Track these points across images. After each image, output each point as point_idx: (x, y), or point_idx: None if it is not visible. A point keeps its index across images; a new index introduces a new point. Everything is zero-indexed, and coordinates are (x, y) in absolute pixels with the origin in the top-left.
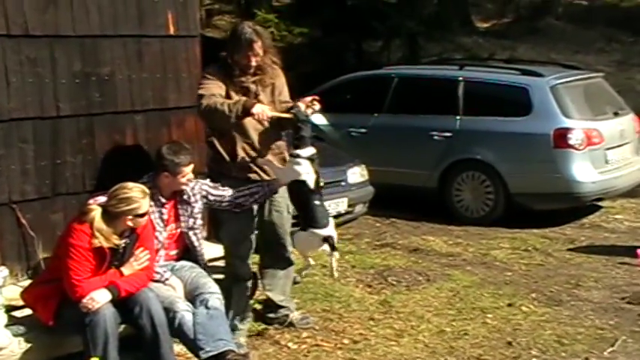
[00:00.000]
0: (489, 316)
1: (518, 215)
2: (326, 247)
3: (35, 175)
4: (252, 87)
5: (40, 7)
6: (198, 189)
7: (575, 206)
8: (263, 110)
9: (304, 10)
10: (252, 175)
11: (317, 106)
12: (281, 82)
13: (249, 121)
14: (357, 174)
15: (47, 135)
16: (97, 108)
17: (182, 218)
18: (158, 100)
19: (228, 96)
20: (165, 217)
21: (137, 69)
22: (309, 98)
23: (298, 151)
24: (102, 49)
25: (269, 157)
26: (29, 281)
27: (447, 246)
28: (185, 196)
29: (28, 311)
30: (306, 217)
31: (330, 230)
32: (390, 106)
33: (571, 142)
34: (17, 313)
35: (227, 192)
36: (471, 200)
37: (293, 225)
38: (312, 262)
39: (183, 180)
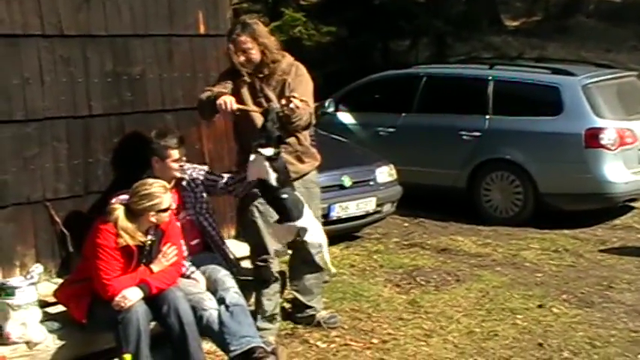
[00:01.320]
0: (519, 317)
1: (548, 216)
2: (309, 237)
3: (68, 173)
4: (257, 84)
5: (74, 7)
6: (196, 174)
7: (606, 207)
8: (225, 102)
9: (331, 9)
10: None
11: (293, 104)
12: (298, 80)
13: (259, 119)
14: (385, 173)
15: (80, 134)
16: (128, 107)
17: (187, 205)
18: (188, 99)
19: (237, 94)
20: (173, 205)
21: (168, 68)
22: (292, 94)
23: (260, 150)
24: (133, 49)
25: (283, 154)
26: (61, 279)
27: (475, 246)
28: (184, 183)
29: (62, 307)
30: (277, 211)
31: (305, 222)
32: (418, 106)
33: (603, 142)
34: (51, 309)
35: (221, 179)
36: (500, 200)
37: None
38: (289, 251)
39: (174, 165)
